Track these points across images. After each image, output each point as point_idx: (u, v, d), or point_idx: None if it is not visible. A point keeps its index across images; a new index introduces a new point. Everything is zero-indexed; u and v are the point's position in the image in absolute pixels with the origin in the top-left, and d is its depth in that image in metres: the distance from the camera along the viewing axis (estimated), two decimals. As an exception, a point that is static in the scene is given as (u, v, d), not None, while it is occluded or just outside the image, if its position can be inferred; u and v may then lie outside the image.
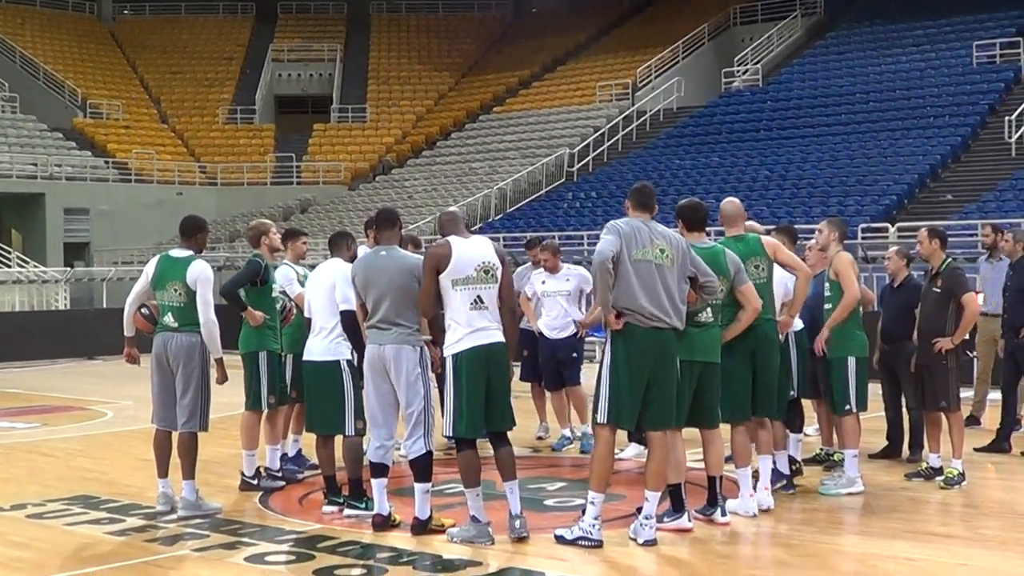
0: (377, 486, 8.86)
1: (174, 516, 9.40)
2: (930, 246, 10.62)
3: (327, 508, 9.48)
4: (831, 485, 10.13)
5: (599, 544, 8.20)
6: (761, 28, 45.10)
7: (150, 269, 9.67)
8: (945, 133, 32.50)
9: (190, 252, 9.60)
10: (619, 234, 8.17)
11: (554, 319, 12.39)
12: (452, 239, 8.53)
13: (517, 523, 8.46)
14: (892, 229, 25.13)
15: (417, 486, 8.65)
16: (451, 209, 9.66)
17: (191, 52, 55.21)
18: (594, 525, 8.23)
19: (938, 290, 10.49)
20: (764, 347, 9.26)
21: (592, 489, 8.26)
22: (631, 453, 11.47)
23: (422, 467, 8.63)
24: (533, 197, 37.98)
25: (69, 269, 35.79)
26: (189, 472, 9.49)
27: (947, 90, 35.17)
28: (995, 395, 13.47)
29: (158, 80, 52.96)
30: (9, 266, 35.76)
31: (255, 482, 10.44)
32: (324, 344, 9.39)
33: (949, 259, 10.62)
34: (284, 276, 10.97)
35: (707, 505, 9.06)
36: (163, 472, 9.65)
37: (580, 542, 8.22)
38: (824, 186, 31.21)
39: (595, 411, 8.39)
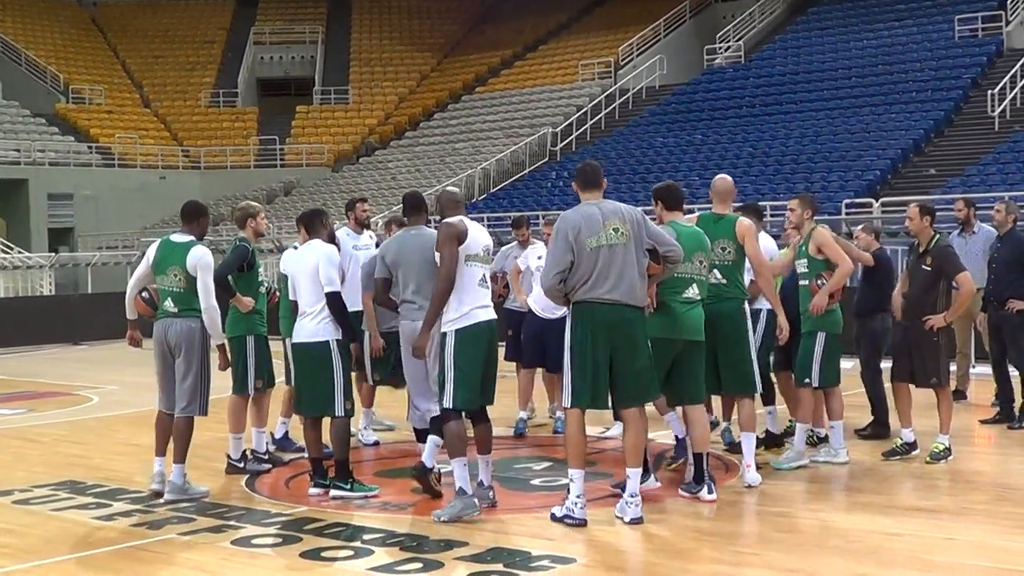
0: (430, 442, 9.05)
1: (162, 499, 9.41)
2: (920, 223, 10.49)
3: (313, 490, 9.49)
4: (782, 460, 10.22)
5: (583, 523, 8.26)
6: (742, 4, 45.05)
7: (151, 253, 9.66)
8: (928, 107, 32.53)
9: (191, 237, 9.59)
10: (566, 238, 8.23)
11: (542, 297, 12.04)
12: (463, 219, 8.83)
13: (490, 493, 8.91)
14: (876, 204, 25.17)
15: (431, 437, 9.03)
16: (452, 188, 9.64)
17: (173, 36, 54.96)
18: (576, 503, 8.31)
19: (927, 267, 10.37)
20: (730, 325, 9.45)
21: (570, 467, 8.37)
22: (617, 432, 11.46)
23: (437, 424, 8.95)
24: (516, 177, 37.98)
25: (54, 254, 35.71)
26: (180, 456, 9.49)
27: (929, 64, 35.19)
28: (981, 368, 13.57)
29: (140, 64, 52.78)
30: (-7, 252, 35.68)
31: (242, 465, 10.45)
32: (312, 325, 9.38)
33: (938, 236, 10.53)
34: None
35: (693, 482, 9.11)
36: (160, 450, 9.63)
37: (565, 520, 8.30)
38: (807, 162, 31.25)
39: (563, 394, 8.49)
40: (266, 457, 10.73)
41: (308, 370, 9.44)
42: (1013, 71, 31.38)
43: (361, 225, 11.88)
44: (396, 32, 55.20)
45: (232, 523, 8.68)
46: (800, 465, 10.18)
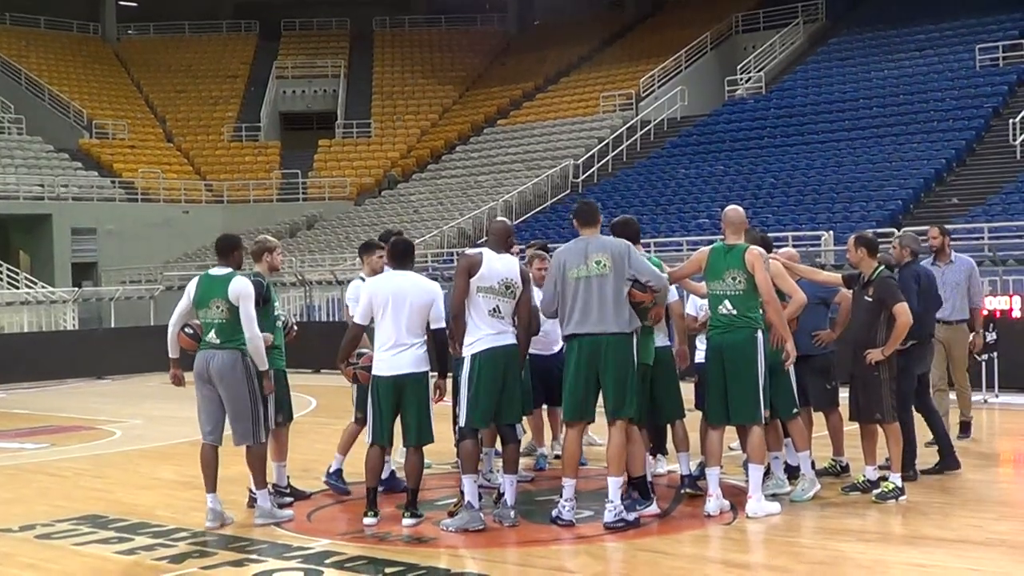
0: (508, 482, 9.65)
1: (215, 531, 9.54)
2: (856, 254, 10.32)
3: (407, 521, 9.48)
4: (798, 492, 10.16)
5: (570, 524, 9.20)
6: (763, 36, 45.11)
7: (191, 289, 9.75)
8: (949, 137, 32.48)
9: (229, 269, 9.70)
10: (554, 272, 9.39)
11: (541, 333, 11.08)
12: (485, 251, 9.49)
13: (511, 513, 9.39)
14: (898, 234, 25.05)
15: (506, 476, 9.65)
16: (503, 220, 10.29)
17: (195, 70, 55.36)
18: (565, 506, 9.26)
19: (870, 299, 10.20)
20: (740, 355, 9.56)
21: (564, 476, 9.32)
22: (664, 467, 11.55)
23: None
24: (539, 209, 38.01)
25: (77, 289, 35.84)
26: (261, 482, 9.73)
27: (950, 94, 35.15)
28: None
29: (163, 99, 53.11)
30: (17, 287, 35.87)
31: (287, 490, 10.50)
32: (421, 354, 9.49)
33: (881, 267, 10.33)
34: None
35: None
36: (211, 487, 9.72)
37: (557, 521, 9.25)
38: (829, 192, 31.21)
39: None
40: (287, 491, 10.72)
41: (423, 400, 9.54)
42: (1035, 100, 31.33)
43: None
44: (418, 65, 55.44)
45: (254, 556, 8.69)
46: (815, 493, 10.14)
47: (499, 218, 10.54)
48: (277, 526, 9.61)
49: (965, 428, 13.33)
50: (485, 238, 9.56)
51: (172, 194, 45.45)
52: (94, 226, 42.75)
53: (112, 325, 32.10)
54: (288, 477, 10.83)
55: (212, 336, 9.56)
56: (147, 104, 52.84)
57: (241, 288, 9.50)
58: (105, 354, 27.23)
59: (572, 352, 9.29)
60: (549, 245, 12.58)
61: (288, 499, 10.56)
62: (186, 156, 49.47)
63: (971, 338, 12.97)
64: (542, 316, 10.87)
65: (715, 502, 9.55)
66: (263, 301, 10.30)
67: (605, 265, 9.12)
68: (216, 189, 46.91)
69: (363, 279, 10.92)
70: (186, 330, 9.77)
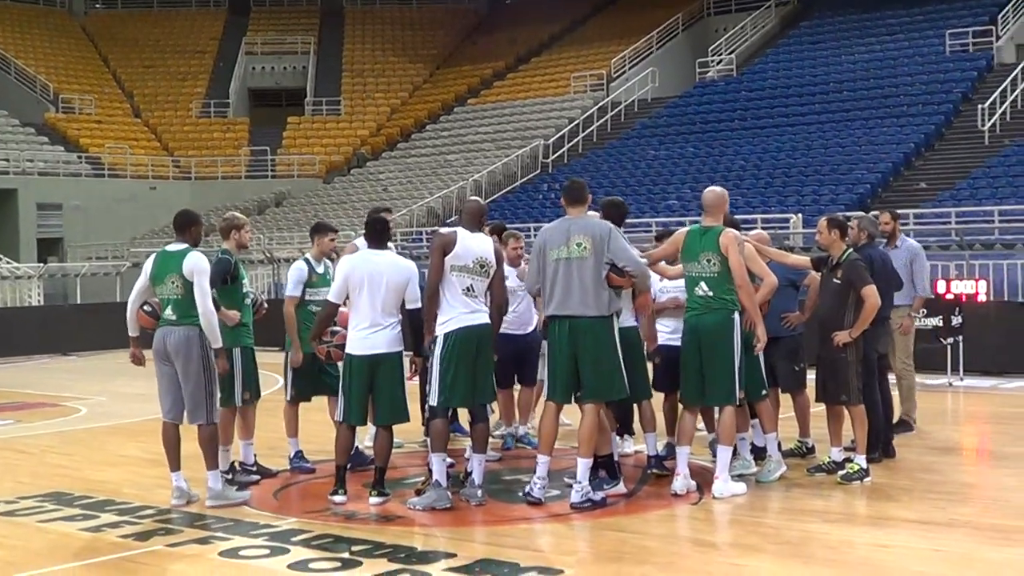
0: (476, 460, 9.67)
1: (181, 508, 9.52)
2: (829, 236, 10.37)
3: (374, 500, 9.48)
4: (764, 474, 10.20)
5: (539, 501, 9.22)
6: (735, 18, 45.17)
7: (148, 266, 9.70)
8: (919, 121, 32.61)
9: (185, 245, 9.63)
10: (537, 252, 9.43)
11: (514, 314, 11.25)
12: (459, 230, 9.43)
13: (479, 492, 9.39)
14: (854, 216, 25.13)
15: (475, 456, 9.65)
16: (476, 199, 10.29)
17: (164, 46, 54.91)
18: (536, 483, 9.30)
19: (838, 281, 10.24)
20: (715, 337, 9.56)
21: (539, 453, 9.41)
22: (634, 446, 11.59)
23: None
24: (508, 189, 37.98)
25: (42, 265, 35.60)
26: (212, 463, 9.61)
27: (920, 78, 35.28)
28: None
29: (130, 74, 52.71)
30: (-18, 263, 35.58)
31: (230, 477, 10.41)
32: (394, 334, 9.48)
33: (849, 250, 10.40)
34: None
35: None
36: (174, 465, 9.68)
37: (528, 497, 9.30)
38: (799, 175, 31.30)
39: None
40: (254, 469, 10.69)
41: (397, 379, 9.55)
42: (1003, 86, 31.47)
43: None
44: (388, 43, 55.21)
45: (220, 534, 8.65)
46: (781, 474, 10.20)
47: (472, 197, 10.60)
48: (245, 505, 9.57)
49: (901, 424, 12.56)
50: (456, 216, 9.52)
51: (139, 170, 45.17)
52: (60, 201, 42.44)
53: (78, 301, 31.94)
54: (255, 455, 10.80)
55: (169, 312, 9.49)
56: (114, 79, 52.44)
57: (195, 263, 9.41)
58: (71, 330, 27.09)
59: (553, 333, 9.35)
60: (508, 225, 12.53)
61: (255, 477, 10.54)
62: (154, 132, 49.15)
63: (901, 321, 12.73)
64: (519, 295, 10.97)
65: (682, 481, 9.57)
66: (231, 279, 10.26)
67: (585, 248, 9.13)
68: (184, 165, 46.65)
69: (307, 261, 10.96)
70: (145, 308, 9.70)
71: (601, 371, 9.18)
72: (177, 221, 9.82)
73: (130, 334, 9.83)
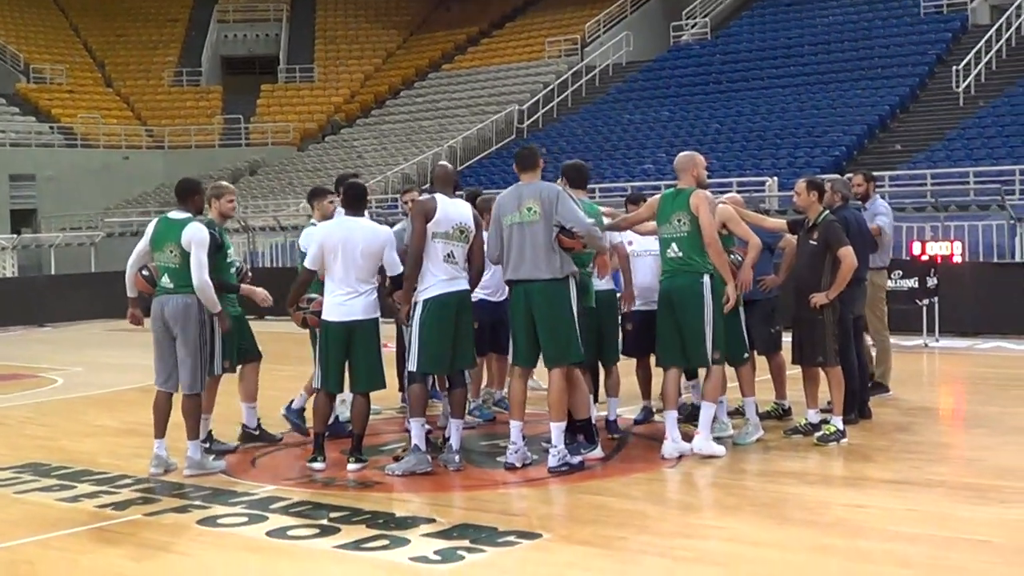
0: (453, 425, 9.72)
1: (159, 477, 9.50)
2: (808, 198, 10.40)
3: (352, 466, 9.50)
4: (741, 436, 10.26)
5: (512, 467, 9.28)
6: (709, -19, 45.06)
7: (149, 230, 9.70)
8: (894, 83, 32.64)
9: (188, 214, 9.60)
10: (494, 219, 9.50)
11: (491, 279, 11.02)
12: (439, 196, 9.43)
13: (456, 457, 9.43)
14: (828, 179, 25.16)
15: (453, 420, 9.68)
16: (445, 163, 10.30)
17: (135, 14, 54.47)
18: (510, 449, 9.39)
19: (814, 242, 10.26)
20: (688, 298, 9.56)
21: (511, 419, 9.45)
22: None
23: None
24: (483, 154, 37.93)
25: (16, 236, 35.44)
26: (193, 433, 9.57)
27: (895, 40, 35.27)
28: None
29: (102, 43, 52.32)
30: (-45, 235, 35.40)
31: (207, 445, 10.39)
32: (370, 300, 9.51)
33: (825, 212, 10.42)
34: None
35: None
36: (160, 432, 9.65)
37: (505, 465, 9.33)
38: (774, 138, 31.31)
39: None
40: (257, 433, 10.73)
41: (373, 346, 9.56)
42: (977, 47, 31.48)
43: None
44: (361, 10, 54.90)
45: (198, 503, 8.64)
46: (759, 438, 10.27)
47: (441, 162, 10.52)
48: (223, 473, 9.57)
49: (877, 386, 12.45)
50: (428, 184, 9.54)
51: (112, 140, 44.92)
52: (33, 172, 42.22)
53: (52, 272, 31.80)
54: (258, 419, 10.79)
55: (166, 280, 9.49)
56: (86, 48, 52.04)
57: (193, 234, 9.39)
58: (46, 301, 26.95)
59: (512, 298, 9.47)
60: (483, 192, 12.40)
61: (232, 445, 10.55)
62: (126, 101, 48.83)
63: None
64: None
65: (671, 445, 9.59)
66: (216, 248, 10.20)
67: (535, 211, 9.18)
68: (157, 135, 46.40)
69: (315, 224, 10.87)
70: (143, 272, 9.69)
71: (557, 334, 9.19)
72: (179, 189, 9.82)
73: (128, 295, 9.84)
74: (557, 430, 9.23)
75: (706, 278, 9.52)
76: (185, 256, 9.39)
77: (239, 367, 10.61)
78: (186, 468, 9.56)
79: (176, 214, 9.63)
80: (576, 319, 9.27)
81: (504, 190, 9.74)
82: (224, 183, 10.97)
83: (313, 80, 50.29)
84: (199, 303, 9.44)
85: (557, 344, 9.21)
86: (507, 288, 9.81)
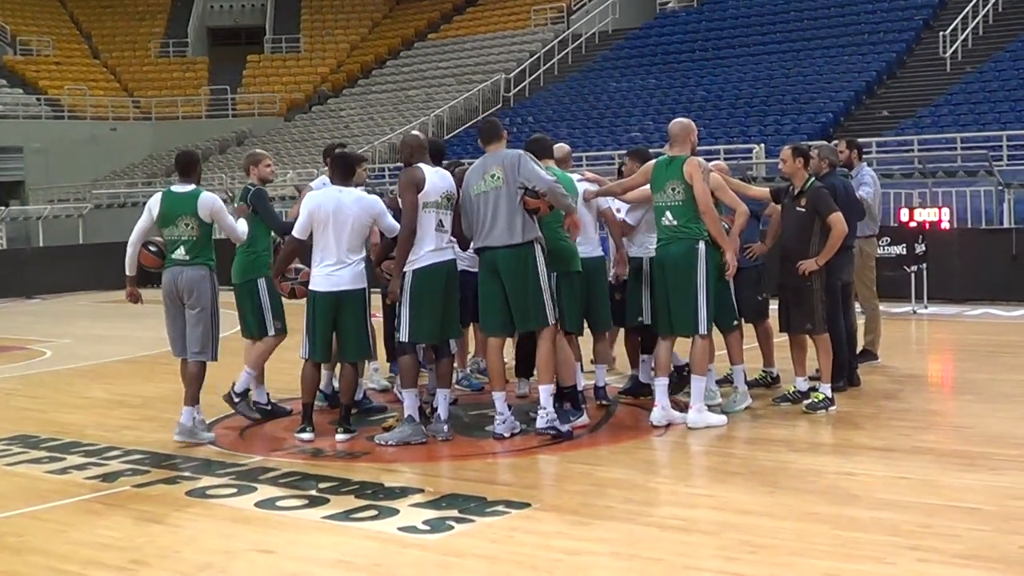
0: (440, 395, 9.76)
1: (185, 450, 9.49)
2: (793, 165, 10.36)
3: (340, 437, 9.53)
4: (730, 403, 10.30)
5: (501, 437, 9.30)
6: (696, -52, 44.86)
7: (154, 206, 9.64)
8: (880, 49, 32.56)
9: (193, 186, 9.61)
10: (464, 198, 9.48)
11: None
12: (423, 166, 9.38)
13: (445, 427, 9.45)
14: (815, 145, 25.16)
15: (439, 391, 9.69)
16: (417, 133, 10.22)
17: (121, -15, 54.28)
18: (496, 420, 9.40)
19: (802, 209, 10.24)
20: (681, 266, 9.55)
21: (492, 389, 9.52)
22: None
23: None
24: (470, 123, 37.77)
25: (4, 208, 35.33)
26: (192, 399, 9.63)
27: (881, 5, 35.16)
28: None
29: (88, 15, 52.10)
30: (-58, 207, 35.28)
31: (268, 407, 10.58)
32: (358, 271, 9.49)
33: (812, 178, 10.40)
34: None
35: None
36: (189, 400, 9.70)
37: (493, 436, 9.36)
38: (761, 105, 31.26)
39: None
40: (269, 408, 10.69)
41: (361, 316, 9.57)
42: (964, 12, 31.39)
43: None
44: (347, -21, 54.69)
45: (187, 474, 8.65)
46: (747, 406, 10.30)
47: (413, 132, 10.50)
48: (212, 444, 9.58)
49: (866, 353, 12.58)
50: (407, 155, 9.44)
51: (99, 111, 44.79)
52: (20, 144, 42.11)
53: (40, 244, 31.73)
54: (268, 394, 10.79)
55: (180, 253, 9.49)
56: (72, 20, 51.83)
57: (211, 204, 9.47)
58: (34, 273, 26.92)
59: (481, 266, 9.54)
60: (470, 161, 12.37)
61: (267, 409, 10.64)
62: (113, 73, 48.67)
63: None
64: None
65: (660, 412, 9.61)
66: (256, 211, 10.28)
67: (499, 178, 9.24)
68: (144, 106, 46.27)
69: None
70: (150, 247, 9.70)
71: (525, 299, 9.24)
72: (181, 162, 9.85)
73: (128, 273, 9.84)
74: (545, 392, 9.31)
75: (701, 245, 9.51)
76: (204, 227, 9.48)
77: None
78: (176, 434, 9.62)
79: (181, 187, 9.64)
80: (544, 284, 9.28)
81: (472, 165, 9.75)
82: (259, 151, 11.11)
83: (299, 50, 50.14)
84: (211, 275, 9.54)
85: (526, 308, 9.27)
86: None
